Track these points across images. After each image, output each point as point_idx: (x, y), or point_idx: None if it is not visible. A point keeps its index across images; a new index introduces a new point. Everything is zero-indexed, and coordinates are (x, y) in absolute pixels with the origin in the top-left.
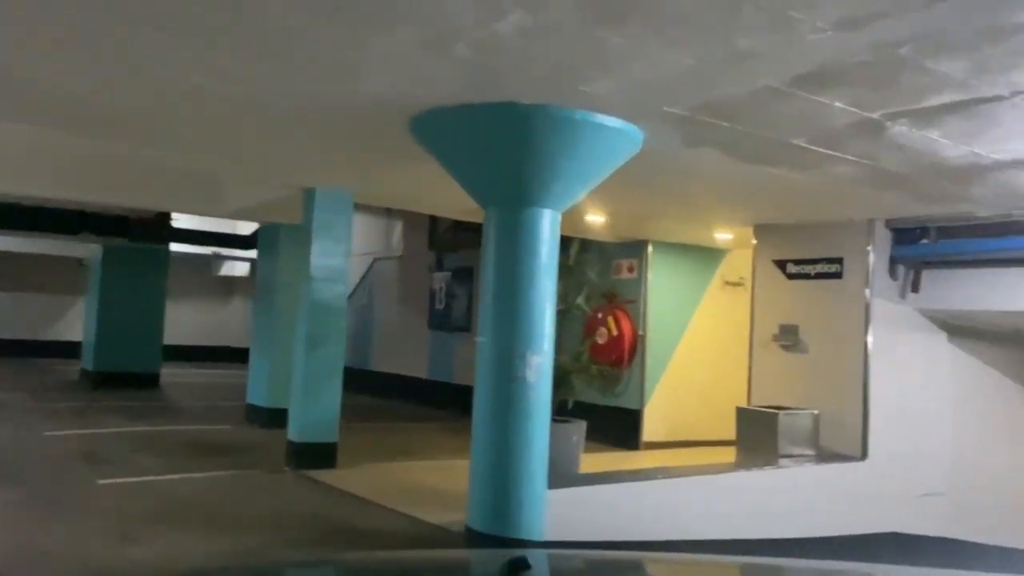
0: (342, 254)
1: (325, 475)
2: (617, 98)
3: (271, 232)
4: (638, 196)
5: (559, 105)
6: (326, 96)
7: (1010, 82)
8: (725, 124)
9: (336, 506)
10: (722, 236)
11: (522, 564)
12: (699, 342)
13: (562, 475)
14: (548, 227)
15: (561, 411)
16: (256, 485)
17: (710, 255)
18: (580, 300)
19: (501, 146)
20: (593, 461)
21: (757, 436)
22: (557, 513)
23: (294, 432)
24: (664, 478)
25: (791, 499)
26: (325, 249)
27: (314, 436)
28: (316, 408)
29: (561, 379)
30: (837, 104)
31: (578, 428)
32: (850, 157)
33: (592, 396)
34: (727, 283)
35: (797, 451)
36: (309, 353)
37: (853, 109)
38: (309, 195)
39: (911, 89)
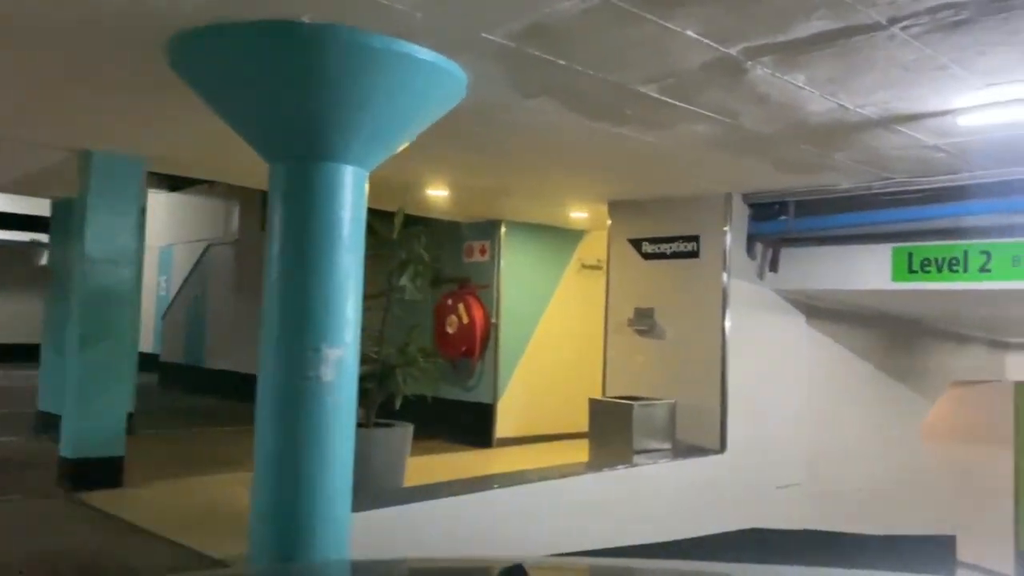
0: (129, 231)
1: (103, 498)
2: (425, 19)
3: (63, 208)
4: (483, 166)
5: (352, 27)
6: (68, 8)
7: (892, 4)
8: (560, 62)
9: (98, 539)
10: (578, 215)
11: (518, 574)
12: (556, 330)
13: (378, 491)
14: (351, 189)
15: (391, 411)
16: (11, 516)
17: (567, 237)
18: (405, 281)
19: (278, 80)
20: (435, 465)
21: (611, 430)
22: (365, 541)
23: (67, 447)
24: (501, 487)
25: (646, 500)
26: (105, 225)
27: (93, 451)
28: (94, 417)
29: (385, 375)
30: (689, 33)
31: (401, 432)
32: (707, 112)
33: (443, 390)
34: (585, 266)
35: (653, 445)
36: (83, 351)
37: (708, 42)
38: (84, 159)
39: (775, 10)
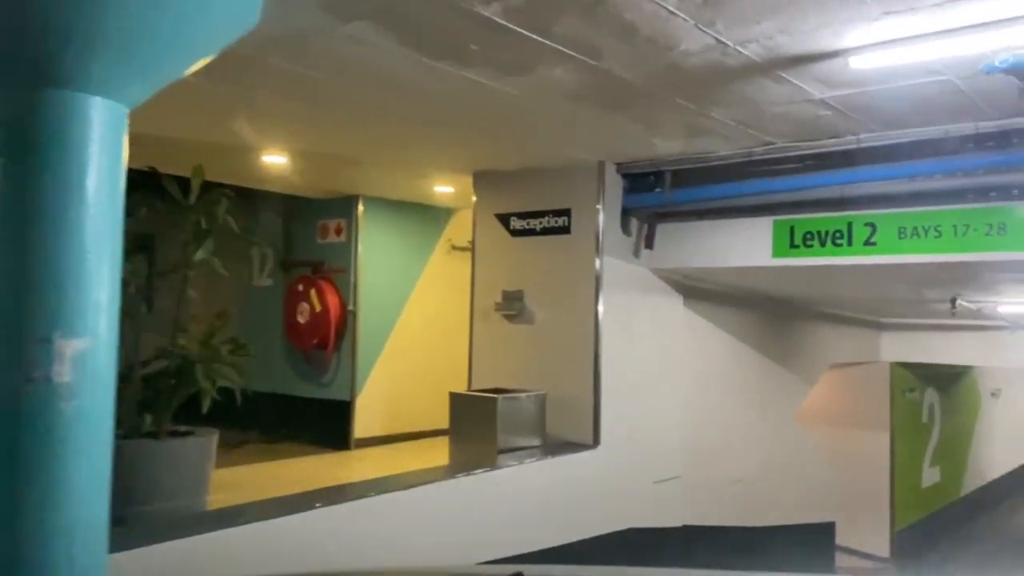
0: None
1: None
2: None
3: None
4: (320, 124)
5: None
6: None
7: None
8: None
9: None
10: (443, 190)
11: None
12: (423, 317)
13: (164, 519)
14: (99, 127)
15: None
16: None
17: (434, 215)
18: (203, 254)
19: None
20: (276, 474)
21: (473, 427)
22: None
23: None
24: (326, 504)
25: (512, 506)
26: None
27: None
28: None
29: (181, 372)
30: None
31: (199, 443)
32: (565, 50)
33: (296, 387)
34: (455, 248)
35: (521, 442)
36: None
37: None
38: None
39: None
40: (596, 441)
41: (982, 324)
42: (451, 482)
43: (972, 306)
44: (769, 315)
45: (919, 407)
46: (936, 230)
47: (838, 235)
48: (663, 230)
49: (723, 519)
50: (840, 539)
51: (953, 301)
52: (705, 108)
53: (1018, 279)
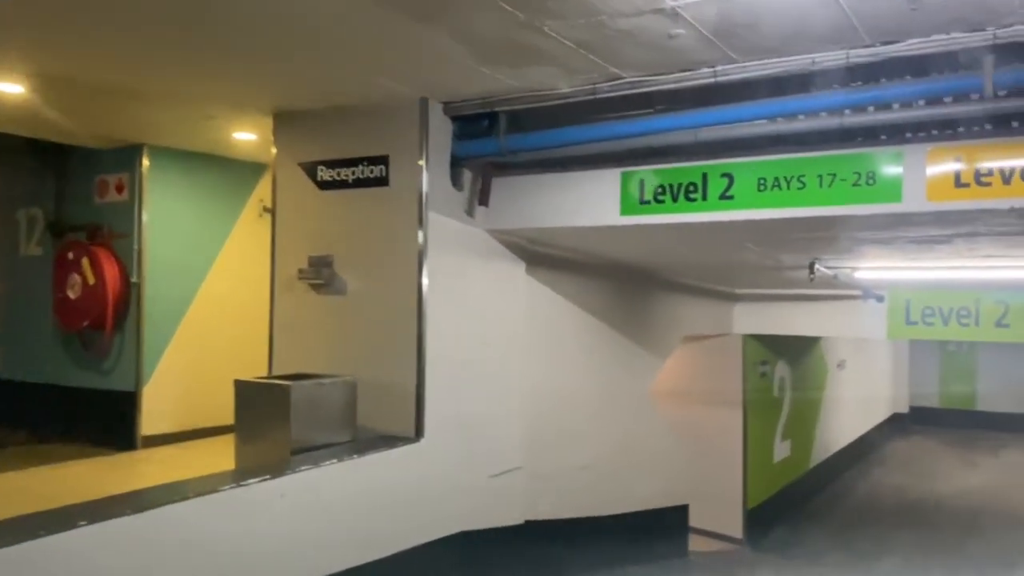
0: None
1: None
2: None
3: None
4: (67, 35)
5: None
6: None
7: None
8: None
9: None
10: (244, 138)
11: None
12: (227, 292)
13: None
14: None
15: None
16: None
17: (240, 172)
18: None
19: None
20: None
21: (263, 422)
22: None
23: None
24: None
25: (310, 520)
26: None
27: None
28: None
29: None
30: None
31: None
32: None
33: (66, 375)
34: (268, 210)
35: (323, 438)
36: None
37: None
38: None
39: None
40: (419, 433)
41: (836, 294)
42: (220, 495)
43: (830, 272)
44: (620, 285)
45: (771, 381)
46: (799, 181)
47: (692, 188)
48: (500, 185)
49: (571, 510)
50: (695, 521)
51: (811, 266)
52: (536, 18)
53: (880, 239)
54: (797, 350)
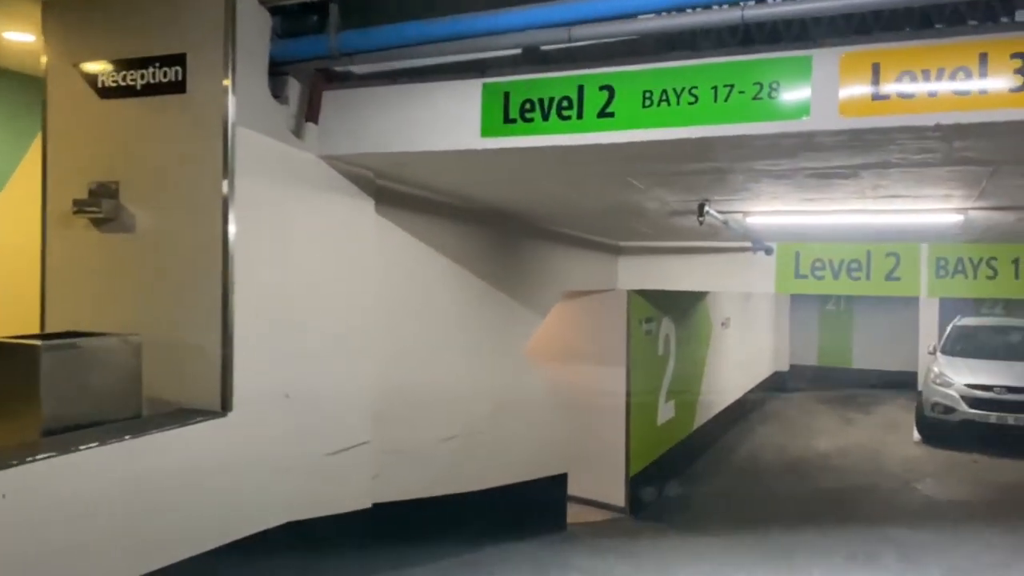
0: None
1: None
2: None
3: None
4: None
5: None
6: None
7: None
8: None
9: None
10: (17, 39)
11: None
12: (14, 235)
13: None
14: None
15: None
16: None
17: (29, 89)
18: None
19: None
20: None
21: (6, 393)
22: None
23: None
24: None
25: (66, 523)
26: None
27: None
28: None
29: None
30: None
31: None
32: None
33: None
34: None
35: (92, 414)
36: None
37: None
38: None
39: None
40: (226, 406)
41: (724, 247)
42: None
43: (721, 218)
44: (494, 234)
45: (656, 339)
46: (691, 94)
47: (566, 104)
48: (337, 100)
49: (432, 488)
50: (575, 490)
51: (701, 209)
52: None
53: (780, 172)
54: (682, 307)
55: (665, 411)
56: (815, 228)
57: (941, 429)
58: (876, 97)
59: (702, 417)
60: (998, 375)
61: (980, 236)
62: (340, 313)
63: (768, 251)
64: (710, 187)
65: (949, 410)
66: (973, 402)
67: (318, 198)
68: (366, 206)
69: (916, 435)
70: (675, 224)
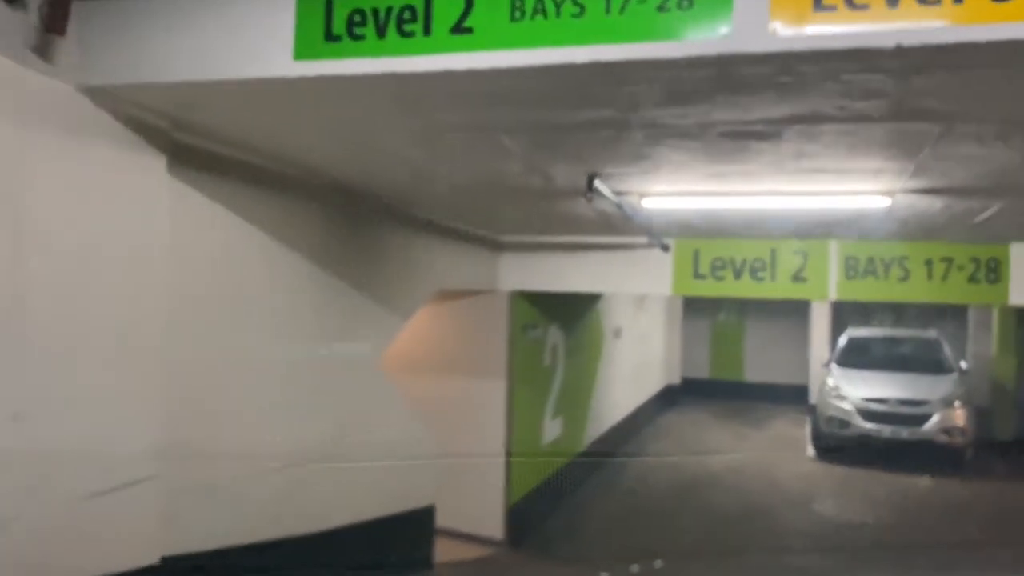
0: None
1: None
2: None
3: None
4: None
5: None
6: None
7: None
8: None
9: None
10: None
11: None
12: None
13: None
14: None
15: None
16: None
17: None
18: None
19: None
20: None
21: None
22: None
23: None
24: None
25: None
26: None
27: None
28: None
29: None
30: None
31: None
32: None
33: None
34: None
35: None
36: None
37: None
38: None
39: None
40: None
41: (616, 243)
42: None
43: (614, 199)
44: (344, 216)
45: (542, 348)
46: (575, 3)
47: (408, 15)
48: (103, 10)
49: (252, 533)
50: (449, 522)
51: (590, 182)
52: None
53: (687, 128)
54: (572, 314)
55: (551, 429)
56: (720, 217)
57: (836, 444)
58: (819, 6)
59: (592, 434)
60: (893, 387)
61: (897, 230)
62: (109, 307)
63: (665, 248)
64: (601, 153)
65: (844, 424)
66: (868, 415)
67: (76, 147)
68: (153, 164)
69: (810, 451)
70: (561, 211)
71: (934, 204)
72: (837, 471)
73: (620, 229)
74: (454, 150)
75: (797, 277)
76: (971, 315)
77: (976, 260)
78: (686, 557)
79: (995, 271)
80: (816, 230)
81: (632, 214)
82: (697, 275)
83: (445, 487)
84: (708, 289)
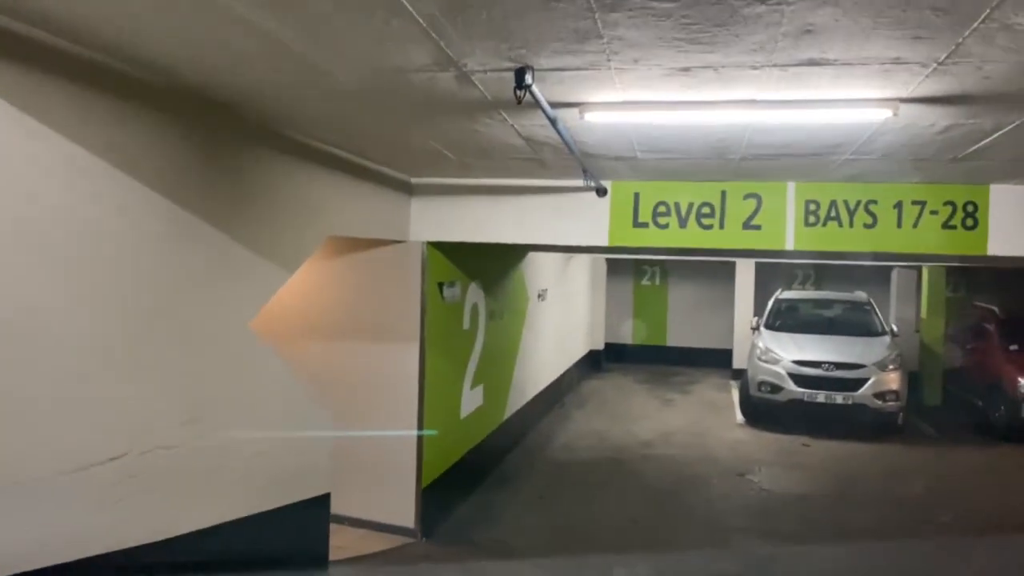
0: None
1: None
2: None
3: None
4: None
5: None
6: None
7: None
8: None
9: None
10: None
11: None
12: None
13: None
14: None
15: None
16: None
17: None
18: None
19: None
20: None
21: None
22: None
23: None
24: None
25: None
26: None
27: None
28: None
29: None
30: None
31: None
32: None
33: None
34: None
35: None
36: None
37: None
38: None
39: None
40: None
41: (546, 185)
42: None
43: (549, 109)
44: (198, 134)
45: (460, 309)
46: None
47: None
48: None
49: (84, 546)
50: (352, 510)
51: (520, 77)
52: None
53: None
54: (495, 272)
55: (471, 399)
56: (679, 138)
57: (766, 409)
58: None
59: (515, 404)
60: (825, 351)
61: (876, 164)
62: None
63: (602, 192)
64: (536, 27)
65: (776, 388)
66: (801, 380)
67: None
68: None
69: (739, 416)
70: (483, 138)
71: (937, 122)
72: (770, 438)
73: (551, 166)
74: (332, 20)
75: (749, 224)
76: (895, 276)
77: (952, 204)
78: (618, 541)
79: (972, 216)
80: (788, 153)
81: (568, 139)
82: (637, 223)
83: (347, 470)
84: (649, 239)
